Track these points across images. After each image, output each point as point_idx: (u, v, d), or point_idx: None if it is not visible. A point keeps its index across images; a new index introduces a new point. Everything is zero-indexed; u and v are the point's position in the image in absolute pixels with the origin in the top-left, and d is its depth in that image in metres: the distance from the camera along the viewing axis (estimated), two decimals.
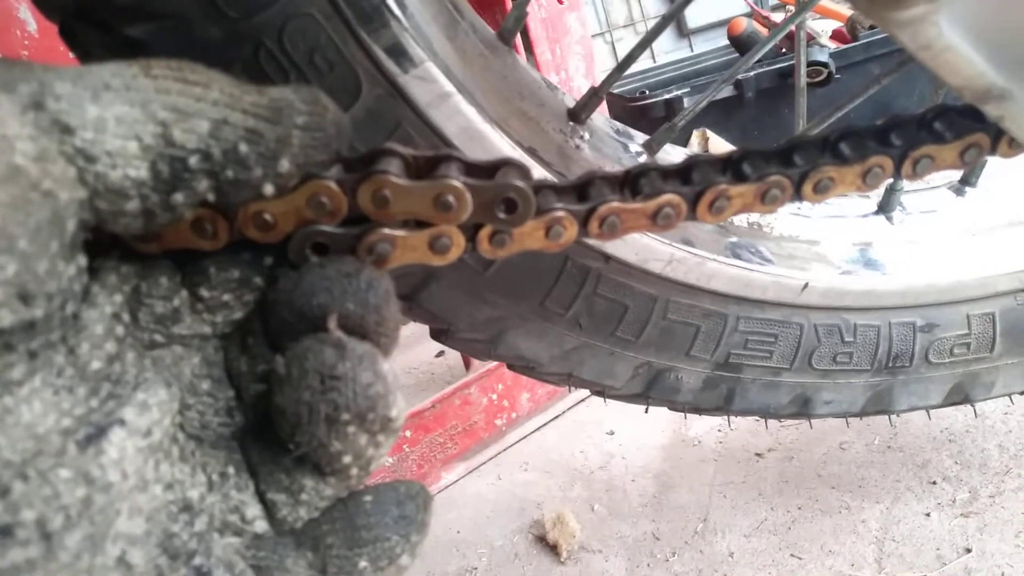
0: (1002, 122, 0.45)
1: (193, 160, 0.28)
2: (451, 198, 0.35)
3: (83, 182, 0.26)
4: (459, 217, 0.36)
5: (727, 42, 2.63)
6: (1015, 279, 0.87)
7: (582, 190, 0.42)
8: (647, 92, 2.40)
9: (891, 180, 0.48)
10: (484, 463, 1.44)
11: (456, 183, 0.35)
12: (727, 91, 2.29)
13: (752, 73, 2.29)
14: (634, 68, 2.86)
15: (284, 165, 0.30)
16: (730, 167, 0.45)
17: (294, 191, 0.33)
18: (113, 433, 0.28)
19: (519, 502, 1.31)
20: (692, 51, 3.11)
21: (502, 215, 0.37)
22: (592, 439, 1.44)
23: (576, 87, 1.44)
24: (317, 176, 0.33)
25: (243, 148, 0.29)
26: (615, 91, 2.46)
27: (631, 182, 0.43)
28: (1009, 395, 0.94)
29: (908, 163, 0.46)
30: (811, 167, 0.44)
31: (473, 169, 0.37)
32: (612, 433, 1.44)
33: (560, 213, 0.40)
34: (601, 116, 0.83)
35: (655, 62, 2.99)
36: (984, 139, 0.47)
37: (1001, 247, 0.89)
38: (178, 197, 0.28)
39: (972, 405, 0.94)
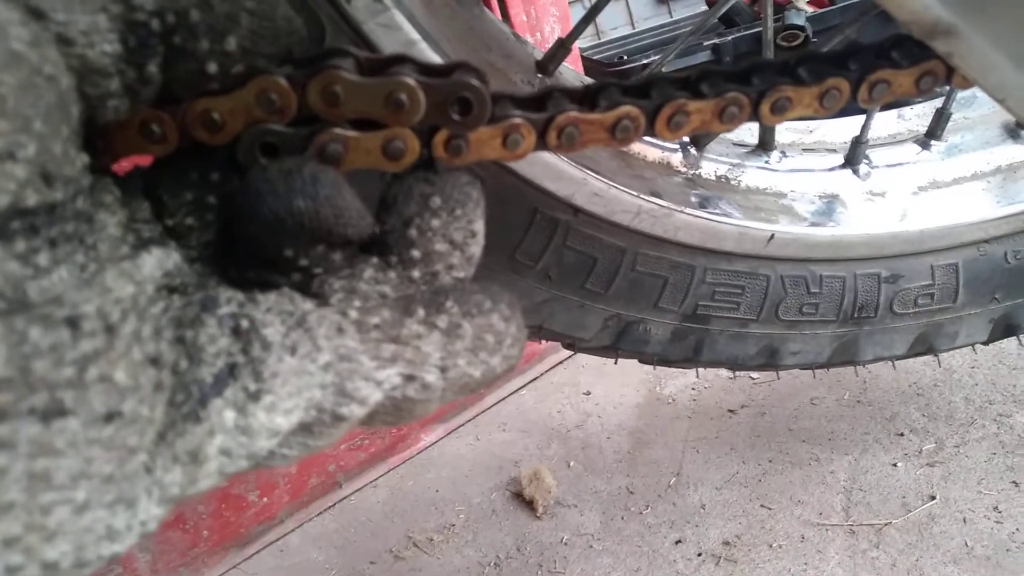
0: (951, 59, 0.46)
1: (155, 23, 0.29)
2: (403, 96, 0.35)
3: (69, 69, 0.27)
4: (412, 117, 0.36)
5: (706, 7, 2.62)
6: (978, 230, 0.88)
7: (541, 101, 0.43)
8: (625, 57, 2.40)
9: (849, 101, 0.48)
10: (463, 424, 1.45)
11: (409, 80, 0.35)
12: (705, 56, 2.29)
13: (730, 38, 2.29)
14: (613, 34, 2.87)
15: (231, 43, 0.31)
16: (690, 86, 0.45)
17: (242, 87, 0.32)
18: (148, 253, 0.30)
19: (497, 461, 1.33)
20: (671, 17, 3.09)
21: (456, 116, 0.37)
22: (569, 399, 1.45)
23: None
24: (266, 71, 0.33)
25: (194, 15, 0.30)
26: (594, 57, 2.46)
27: (590, 96, 0.43)
28: (972, 345, 0.96)
29: (865, 87, 0.46)
30: (769, 86, 0.45)
31: (427, 70, 0.37)
32: (588, 393, 1.46)
33: (518, 120, 0.40)
34: (571, 70, 0.83)
35: (634, 28, 2.98)
36: (939, 67, 0.47)
37: (965, 199, 0.91)
38: (151, 68, 0.29)
39: (936, 355, 0.96)
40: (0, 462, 0.23)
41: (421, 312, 0.34)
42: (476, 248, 0.39)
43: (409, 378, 0.33)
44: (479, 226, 0.39)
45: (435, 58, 0.62)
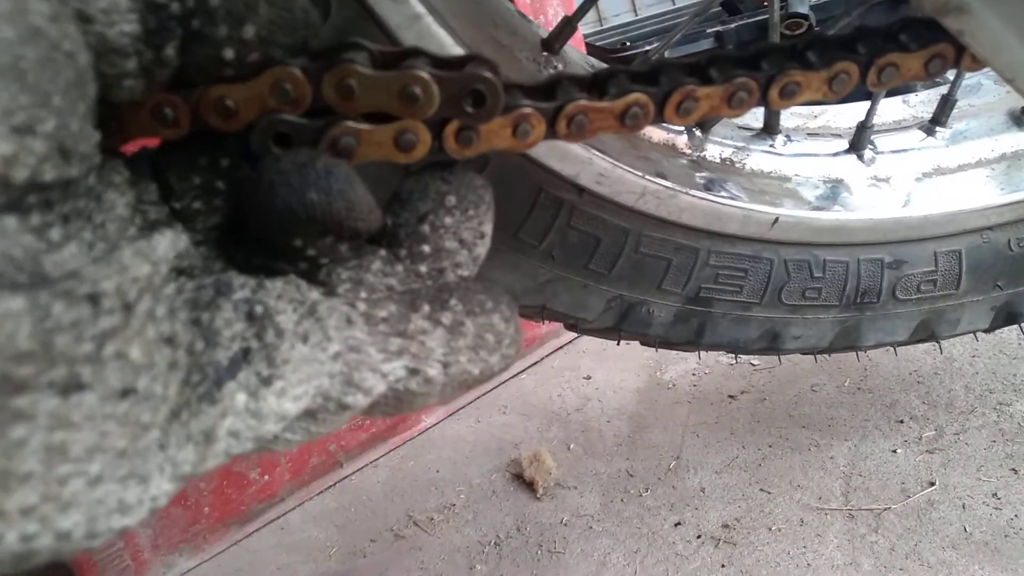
0: (962, 37, 0.46)
1: (175, 6, 0.29)
2: (418, 90, 0.35)
3: (87, 46, 0.27)
4: (426, 111, 0.36)
5: None
6: (982, 217, 0.88)
7: (550, 89, 0.42)
8: (628, 44, 2.39)
9: (857, 85, 0.48)
10: (463, 407, 1.46)
11: (423, 74, 0.35)
12: (708, 44, 2.28)
13: (733, 26, 2.28)
14: (616, 21, 2.86)
15: (249, 31, 0.31)
16: (698, 71, 0.45)
17: (258, 76, 0.33)
18: (161, 235, 0.30)
19: (497, 443, 1.33)
20: (674, 4, 3.08)
21: (469, 109, 0.37)
22: (569, 383, 1.46)
23: None
24: (282, 62, 0.33)
25: (213, 1, 0.30)
26: (597, 44, 2.45)
27: (599, 84, 0.43)
28: (974, 332, 0.96)
29: (873, 71, 0.46)
30: (778, 71, 0.45)
31: (441, 63, 0.37)
32: (589, 378, 1.46)
33: (527, 110, 0.40)
34: (575, 50, 0.83)
35: (636, 15, 2.97)
36: (948, 50, 0.47)
37: (969, 186, 0.91)
38: (169, 50, 0.29)
39: (938, 342, 0.96)
40: (20, 433, 0.23)
41: (426, 308, 0.35)
42: (482, 249, 0.40)
43: (413, 371, 0.34)
44: (488, 228, 0.40)
45: (441, 32, 0.62)
